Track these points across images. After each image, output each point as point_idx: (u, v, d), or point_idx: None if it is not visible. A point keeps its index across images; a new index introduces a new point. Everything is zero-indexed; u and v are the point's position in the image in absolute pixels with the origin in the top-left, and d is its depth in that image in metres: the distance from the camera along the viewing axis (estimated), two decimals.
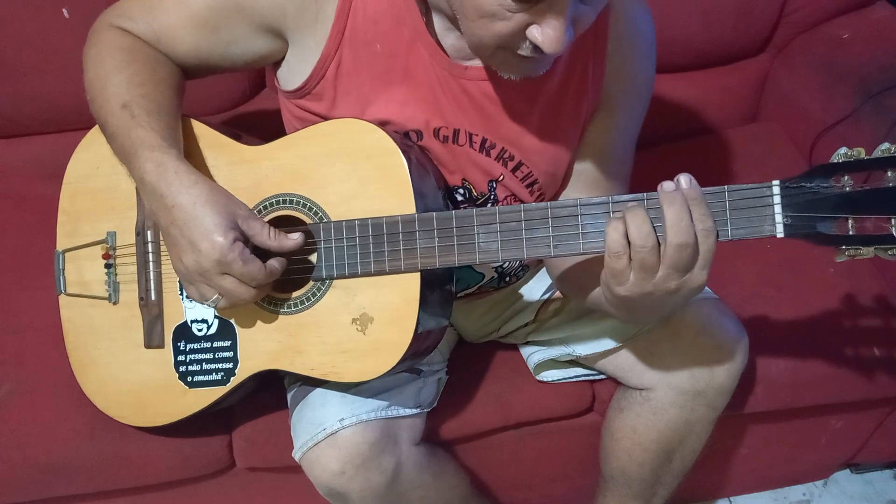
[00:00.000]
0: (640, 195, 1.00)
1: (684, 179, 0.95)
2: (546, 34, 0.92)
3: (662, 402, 1.35)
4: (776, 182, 0.96)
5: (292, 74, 1.18)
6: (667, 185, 0.95)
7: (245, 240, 1.10)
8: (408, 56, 1.13)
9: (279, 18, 1.12)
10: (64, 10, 1.58)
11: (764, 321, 1.53)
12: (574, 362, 1.46)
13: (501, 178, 1.21)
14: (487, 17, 0.94)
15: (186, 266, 1.09)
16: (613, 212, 1.01)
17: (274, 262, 1.12)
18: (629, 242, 0.96)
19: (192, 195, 1.07)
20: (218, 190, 1.10)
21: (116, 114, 1.12)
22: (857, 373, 1.51)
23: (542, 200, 1.25)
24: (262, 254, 1.12)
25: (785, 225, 0.96)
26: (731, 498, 1.86)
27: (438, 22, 1.12)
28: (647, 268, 0.97)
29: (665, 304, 1.03)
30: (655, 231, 0.96)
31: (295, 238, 1.13)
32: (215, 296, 1.10)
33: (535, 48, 0.95)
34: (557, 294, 1.43)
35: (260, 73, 1.73)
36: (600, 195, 1.22)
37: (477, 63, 1.13)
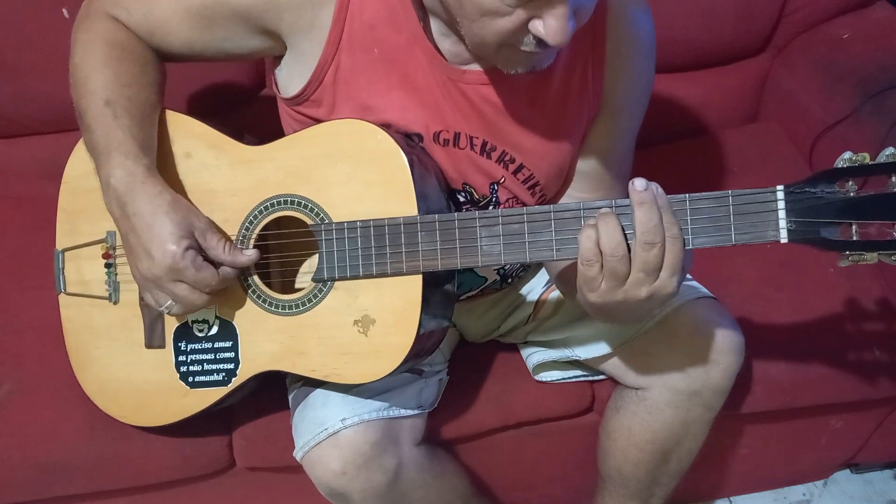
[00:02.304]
0: None
1: (654, 187, 0.97)
2: (549, 26, 0.92)
3: (658, 402, 1.35)
4: (780, 187, 0.96)
5: (291, 78, 1.19)
6: (638, 184, 0.96)
7: (199, 248, 1.12)
8: (406, 61, 1.13)
9: (275, 22, 1.12)
10: (64, 11, 1.58)
11: (764, 321, 1.53)
12: (573, 362, 1.46)
13: (503, 180, 1.21)
14: (489, 14, 0.94)
15: (141, 273, 1.11)
16: (617, 215, 1.00)
17: (226, 269, 1.14)
18: (601, 250, 0.98)
19: (153, 205, 1.09)
20: (180, 202, 1.12)
21: (99, 108, 1.12)
22: (857, 373, 1.51)
23: (543, 201, 1.25)
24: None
25: (789, 230, 0.96)
26: (731, 498, 1.86)
27: (435, 26, 1.12)
28: (617, 276, 0.98)
29: (639, 309, 1.05)
30: (627, 239, 0.97)
31: (249, 254, 1.15)
32: (169, 301, 1.13)
33: (539, 42, 0.95)
34: (554, 288, 1.43)
35: (260, 73, 1.73)
36: (602, 195, 1.24)
37: (474, 67, 1.13)
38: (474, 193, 1.22)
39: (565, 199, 1.27)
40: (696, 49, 1.85)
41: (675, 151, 1.89)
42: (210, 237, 1.13)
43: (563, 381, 1.48)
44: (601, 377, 1.48)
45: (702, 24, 1.80)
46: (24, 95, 1.66)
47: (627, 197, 0.97)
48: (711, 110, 1.93)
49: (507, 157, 1.19)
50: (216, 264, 1.13)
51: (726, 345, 1.30)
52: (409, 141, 1.15)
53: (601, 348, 1.37)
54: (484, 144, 1.17)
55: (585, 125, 1.20)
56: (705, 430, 1.40)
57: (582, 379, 1.48)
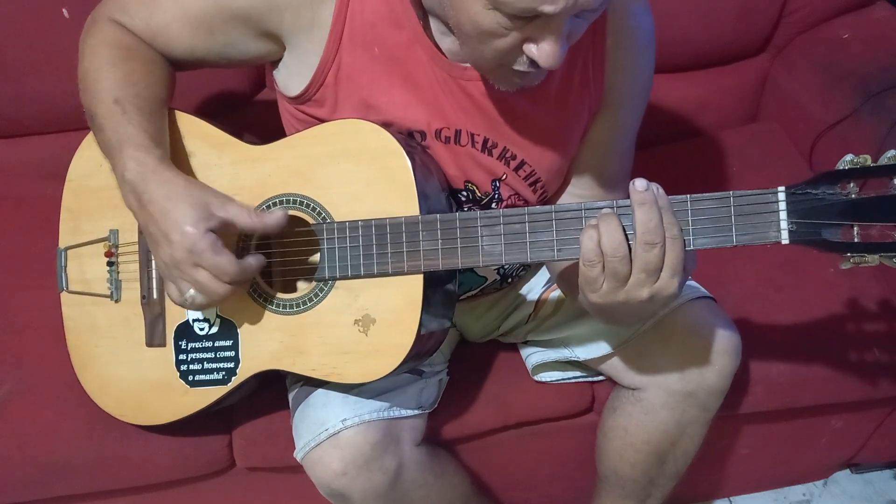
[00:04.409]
0: None
1: (654, 188, 0.97)
2: (542, 50, 0.95)
3: (653, 402, 1.35)
4: (781, 188, 0.96)
5: (291, 78, 1.19)
6: (639, 184, 0.97)
7: (220, 229, 1.10)
8: (407, 58, 1.13)
9: (276, 24, 1.12)
10: (64, 10, 1.58)
11: (764, 321, 1.53)
12: (573, 363, 1.46)
13: (504, 177, 1.21)
14: (486, 34, 0.96)
15: (163, 259, 1.10)
16: (619, 216, 1.00)
17: (251, 259, 1.13)
18: (602, 251, 0.98)
19: (166, 189, 1.08)
20: (194, 184, 1.11)
21: (108, 107, 1.12)
22: (857, 373, 1.51)
23: (544, 198, 1.26)
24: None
25: (790, 231, 0.96)
26: (731, 498, 1.86)
27: (435, 25, 1.13)
28: (618, 277, 0.99)
29: (641, 311, 1.05)
30: (628, 240, 0.98)
31: (278, 215, 1.12)
32: (191, 290, 1.11)
33: (532, 62, 0.98)
34: (555, 288, 1.43)
35: (260, 73, 1.73)
36: (602, 193, 1.24)
37: None
38: (476, 192, 1.22)
39: (565, 197, 1.28)
40: (696, 49, 1.85)
41: (675, 152, 1.89)
42: (230, 207, 1.11)
43: (562, 381, 1.48)
44: (601, 378, 1.48)
45: (702, 24, 1.80)
46: (24, 95, 1.66)
47: (628, 196, 0.98)
48: (711, 110, 1.93)
49: (509, 154, 1.19)
50: (236, 255, 1.12)
51: (722, 346, 1.30)
52: (410, 140, 1.16)
53: (600, 348, 1.37)
54: (485, 141, 1.18)
55: (587, 121, 1.21)
56: (702, 432, 1.40)
57: (581, 380, 1.48)
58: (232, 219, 1.11)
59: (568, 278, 1.24)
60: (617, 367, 1.39)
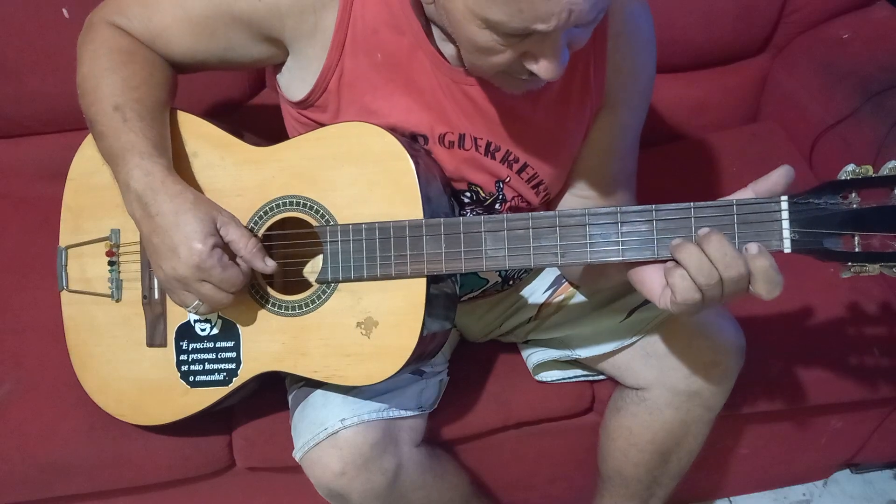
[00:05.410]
0: (648, 206, 1.01)
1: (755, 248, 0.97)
2: (542, 64, 0.95)
3: (658, 402, 1.35)
4: (784, 197, 0.97)
5: (294, 83, 1.19)
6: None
7: (225, 246, 1.11)
8: (409, 64, 1.13)
9: (277, 28, 1.12)
10: (64, 10, 1.58)
11: (764, 321, 1.53)
12: (573, 362, 1.46)
13: (508, 179, 1.21)
14: (483, 51, 0.96)
15: (166, 273, 1.10)
16: (622, 222, 1.01)
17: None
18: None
19: (175, 203, 1.08)
20: (202, 199, 1.12)
21: (108, 114, 1.12)
22: (857, 373, 1.51)
23: (547, 200, 1.26)
24: None
25: (792, 240, 0.97)
26: (731, 498, 1.86)
27: (436, 32, 1.13)
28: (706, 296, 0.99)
29: None
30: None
31: (270, 264, 1.14)
32: (196, 301, 1.12)
33: (533, 73, 0.97)
34: (559, 293, 1.43)
35: (260, 73, 1.73)
36: (605, 192, 1.24)
37: None
38: (480, 192, 1.22)
39: (567, 198, 1.27)
40: (696, 49, 1.85)
41: (676, 151, 1.89)
42: (232, 230, 1.12)
43: (563, 381, 1.48)
44: (601, 377, 1.48)
45: (702, 24, 1.80)
46: (24, 95, 1.66)
47: (631, 196, 0.97)
48: (711, 110, 1.93)
49: (512, 157, 1.19)
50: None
51: (726, 346, 1.30)
52: (413, 143, 1.16)
53: (601, 348, 1.37)
54: (488, 145, 1.18)
55: (588, 122, 1.20)
56: (705, 431, 1.40)
57: (582, 379, 1.48)
58: (231, 241, 1.12)
59: (581, 274, 1.24)
60: (620, 367, 1.39)
